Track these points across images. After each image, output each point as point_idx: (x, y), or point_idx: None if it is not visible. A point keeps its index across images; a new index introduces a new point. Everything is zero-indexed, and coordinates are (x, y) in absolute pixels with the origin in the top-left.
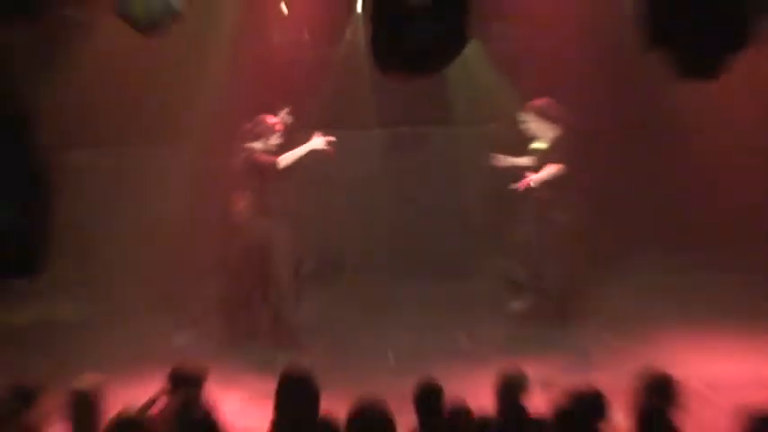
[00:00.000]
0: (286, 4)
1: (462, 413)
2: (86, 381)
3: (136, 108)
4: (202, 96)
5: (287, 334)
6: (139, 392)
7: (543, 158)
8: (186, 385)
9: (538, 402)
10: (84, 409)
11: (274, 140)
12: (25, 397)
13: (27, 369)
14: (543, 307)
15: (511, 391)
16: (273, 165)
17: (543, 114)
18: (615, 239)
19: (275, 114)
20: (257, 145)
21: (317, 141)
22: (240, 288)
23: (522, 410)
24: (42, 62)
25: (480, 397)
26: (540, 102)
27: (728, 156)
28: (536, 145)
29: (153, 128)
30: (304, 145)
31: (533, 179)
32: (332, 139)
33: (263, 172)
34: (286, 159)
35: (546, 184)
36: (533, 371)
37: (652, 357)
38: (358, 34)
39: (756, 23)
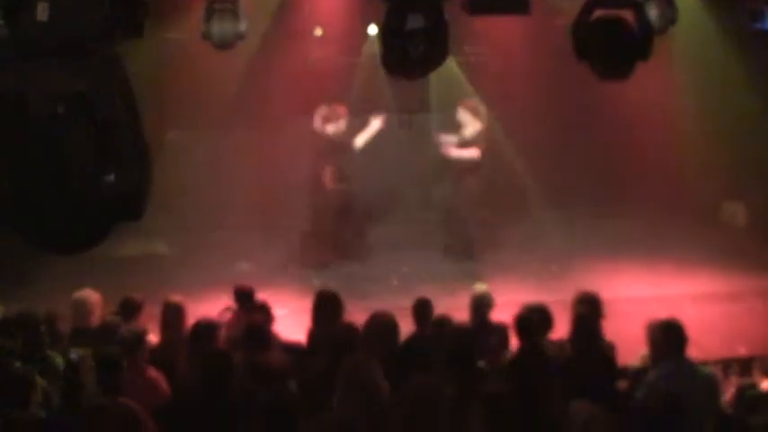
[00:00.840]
0: (320, 27)
1: (446, 322)
2: (174, 298)
3: (214, 101)
4: (262, 95)
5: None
6: (211, 307)
7: (467, 142)
8: (244, 300)
9: (500, 316)
10: (173, 318)
11: (342, 125)
12: (130, 309)
13: (131, 289)
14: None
15: (481, 307)
16: (351, 145)
17: (470, 110)
18: (557, 194)
19: (342, 105)
20: (331, 127)
21: (377, 122)
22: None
23: (488, 321)
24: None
25: (458, 311)
26: (468, 101)
27: (639, 135)
28: (464, 131)
29: (226, 116)
30: (369, 128)
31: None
32: (384, 117)
33: (344, 149)
34: (361, 140)
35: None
36: (497, 292)
37: (584, 281)
38: (373, 48)
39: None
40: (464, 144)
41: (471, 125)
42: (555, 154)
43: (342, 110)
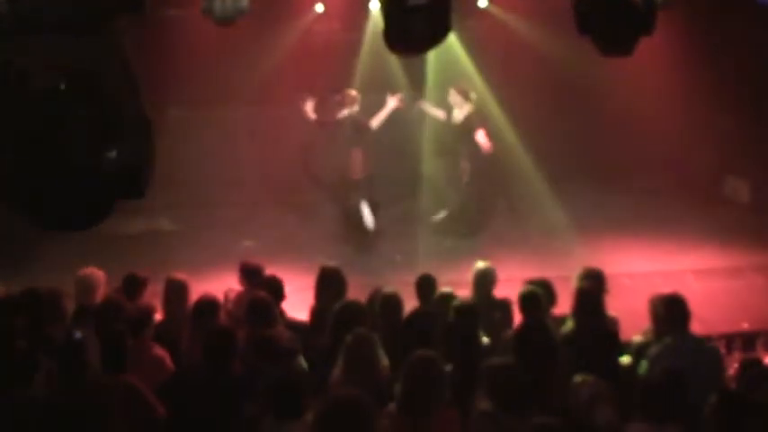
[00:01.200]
0: (321, 3)
1: (449, 298)
2: (177, 275)
3: (216, 77)
4: (262, 72)
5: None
6: (215, 284)
7: (464, 124)
8: (251, 277)
9: (503, 292)
10: (176, 295)
11: (356, 108)
12: (134, 286)
13: (134, 266)
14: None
15: (484, 282)
16: (369, 126)
17: (461, 93)
18: (559, 170)
19: (351, 89)
20: (345, 112)
21: (393, 101)
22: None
23: (491, 297)
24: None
25: (461, 286)
26: (458, 85)
27: (642, 110)
28: (455, 113)
29: (228, 92)
30: (385, 107)
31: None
32: (402, 96)
33: (365, 131)
34: (377, 120)
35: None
36: (500, 268)
37: (587, 257)
38: (374, 22)
39: (655, 15)
40: (463, 125)
41: (461, 108)
42: (557, 129)
43: (355, 94)
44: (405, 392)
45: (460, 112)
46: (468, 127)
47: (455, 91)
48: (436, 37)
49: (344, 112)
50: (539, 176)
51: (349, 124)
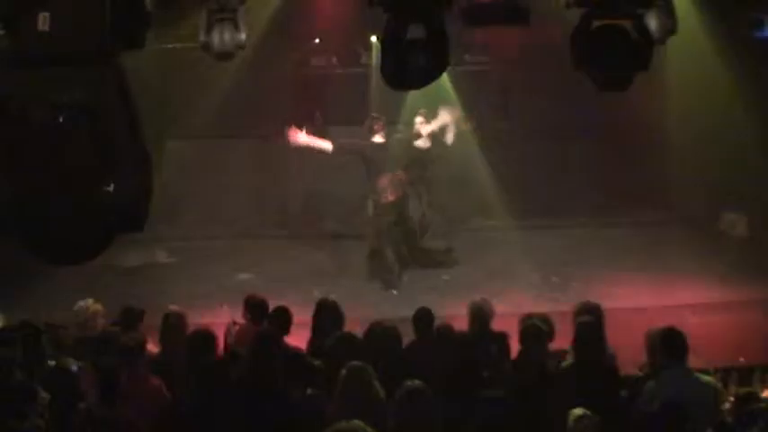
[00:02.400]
0: (318, 36)
1: (447, 331)
2: (174, 308)
3: (213, 109)
4: (259, 105)
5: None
6: (211, 317)
7: (426, 151)
8: (256, 311)
9: (500, 326)
10: (173, 327)
11: (384, 136)
12: (131, 319)
13: (132, 299)
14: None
15: (480, 316)
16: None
17: (426, 120)
18: (556, 204)
19: (374, 118)
20: (378, 139)
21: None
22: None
23: (488, 330)
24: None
25: (458, 320)
26: (424, 112)
27: (639, 145)
28: (420, 141)
29: (226, 125)
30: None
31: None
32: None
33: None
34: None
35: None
36: (497, 301)
37: (584, 292)
38: (372, 57)
39: (651, 51)
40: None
41: (426, 135)
42: (553, 162)
43: (382, 121)
44: (397, 425)
45: (425, 140)
46: (430, 155)
47: (421, 118)
48: (434, 71)
49: (376, 138)
50: (535, 209)
51: (399, 148)
